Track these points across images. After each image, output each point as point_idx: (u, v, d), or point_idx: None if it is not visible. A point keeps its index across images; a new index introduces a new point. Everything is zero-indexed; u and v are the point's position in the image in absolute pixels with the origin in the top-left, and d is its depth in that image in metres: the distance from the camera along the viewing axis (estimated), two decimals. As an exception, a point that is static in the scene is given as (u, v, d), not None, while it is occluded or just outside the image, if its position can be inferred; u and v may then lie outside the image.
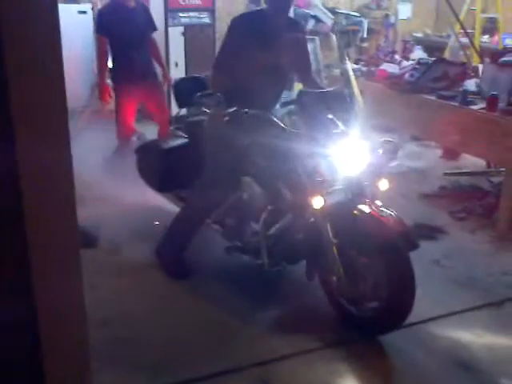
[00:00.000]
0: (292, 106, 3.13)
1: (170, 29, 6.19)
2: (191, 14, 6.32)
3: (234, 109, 2.74)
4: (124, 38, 4.39)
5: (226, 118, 2.77)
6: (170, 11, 6.20)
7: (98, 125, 5.30)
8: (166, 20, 6.17)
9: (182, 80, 3.92)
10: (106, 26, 4.43)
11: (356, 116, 2.86)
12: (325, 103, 2.77)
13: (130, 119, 4.64)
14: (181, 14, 6.27)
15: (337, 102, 2.83)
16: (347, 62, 5.59)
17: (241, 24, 2.95)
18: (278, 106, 3.22)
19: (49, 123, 1.32)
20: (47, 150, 1.30)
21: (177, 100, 3.66)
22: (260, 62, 2.90)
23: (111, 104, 4.71)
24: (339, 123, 2.72)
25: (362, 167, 2.68)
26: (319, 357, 2.61)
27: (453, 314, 2.93)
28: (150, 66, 4.66)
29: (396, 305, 2.58)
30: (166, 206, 3.82)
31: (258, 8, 3.04)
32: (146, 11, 4.66)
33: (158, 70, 4.79)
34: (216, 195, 3.12)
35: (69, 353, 1.51)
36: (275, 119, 2.81)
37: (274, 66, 2.98)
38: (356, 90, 2.98)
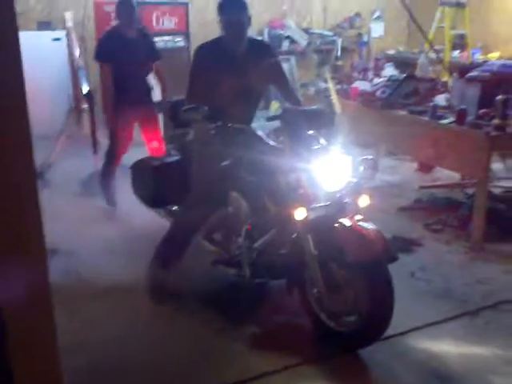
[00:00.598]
0: (276, 122, 3.21)
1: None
2: (165, 37, 6.40)
3: (220, 123, 2.86)
4: (122, 68, 4.29)
5: (212, 132, 2.87)
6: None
7: (74, 149, 5.30)
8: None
9: (177, 102, 3.94)
10: (106, 53, 4.32)
11: (337, 132, 2.95)
12: (307, 120, 2.89)
13: (123, 151, 4.53)
14: (156, 39, 6.33)
15: (318, 119, 2.96)
16: (328, 79, 5.69)
17: (203, 53, 3.11)
18: (262, 121, 3.31)
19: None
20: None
21: (172, 121, 3.71)
22: (227, 86, 3.01)
23: (86, 129, 4.71)
24: (321, 139, 2.84)
25: (344, 182, 2.76)
26: (299, 373, 2.62)
27: (429, 326, 2.96)
28: (147, 95, 4.56)
29: (376, 318, 2.61)
30: (147, 225, 3.85)
31: (218, 36, 3.14)
32: (147, 40, 4.54)
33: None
34: (202, 210, 3.17)
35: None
36: (259, 134, 2.96)
37: (242, 88, 3.07)
38: (337, 107, 3.08)
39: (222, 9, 3.05)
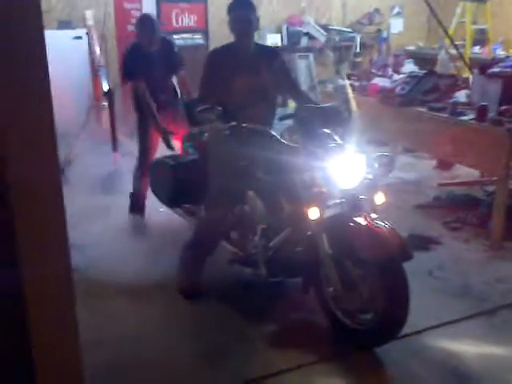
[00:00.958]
0: (290, 121, 3.22)
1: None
2: (184, 35, 6.43)
3: (234, 123, 2.89)
4: (149, 81, 4.09)
5: (227, 132, 2.91)
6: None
7: (94, 147, 5.35)
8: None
9: (193, 100, 3.93)
10: (134, 70, 4.11)
11: (352, 130, 2.94)
12: (322, 118, 2.89)
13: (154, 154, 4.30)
14: (175, 36, 6.37)
15: (334, 116, 2.95)
16: (344, 77, 5.66)
17: (215, 56, 3.25)
18: (276, 120, 3.34)
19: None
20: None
21: (189, 119, 3.73)
22: (239, 87, 3.09)
23: (106, 126, 4.73)
24: (336, 137, 2.84)
25: (359, 180, 2.75)
26: (316, 371, 2.64)
27: (446, 324, 2.95)
28: (174, 106, 4.30)
29: (391, 316, 2.61)
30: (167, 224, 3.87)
31: (229, 42, 3.28)
32: (169, 50, 4.32)
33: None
34: (222, 209, 3.20)
35: (63, 378, 1.55)
36: (273, 133, 2.95)
37: (255, 88, 3.14)
38: (353, 105, 3.08)
39: (231, 7, 3.19)
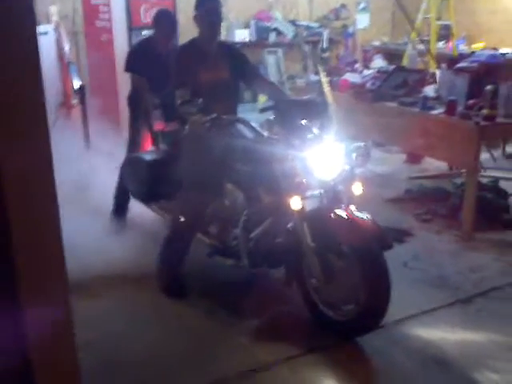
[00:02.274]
0: (269, 113, 3.27)
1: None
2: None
3: (215, 115, 2.93)
4: (150, 83, 3.91)
5: (207, 124, 2.94)
6: (133, 29, 6.26)
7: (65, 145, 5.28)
8: (129, 37, 6.23)
9: (166, 94, 3.86)
10: (136, 65, 3.97)
11: (330, 122, 3.02)
12: (300, 110, 2.97)
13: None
14: (144, 32, 6.32)
15: (311, 108, 3.04)
16: (320, 71, 5.73)
17: (183, 53, 3.37)
18: (255, 112, 3.40)
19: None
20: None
21: (166, 114, 3.70)
22: (204, 81, 3.20)
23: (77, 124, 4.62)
24: (314, 129, 2.89)
25: (338, 171, 2.81)
26: (303, 363, 2.69)
27: (424, 313, 3.06)
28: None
29: (373, 306, 2.68)
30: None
31: (192, 38, 3.41)
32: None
33: None
34: (200, 202, 3.22)
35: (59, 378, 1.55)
36: (253, 125, 3.03)
37: (218, 83, 3.26)
38: (329, 98, 3.18)
39: (199, 2, 3.29)
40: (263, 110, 3.21)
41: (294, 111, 2.95)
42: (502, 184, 4.56)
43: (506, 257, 3.71)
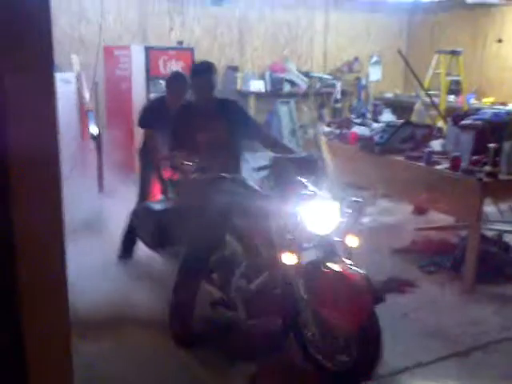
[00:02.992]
0: (266, 171, 3.39)
1: (151, 95, 6.47)
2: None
3: (212, 173, 3.07)
4: (162, 137, 3.99)
5: (207, 182, 3.09)
6: (150, 79, 6.54)
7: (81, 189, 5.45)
8: (147, 87, 6.50)
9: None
10: (147, 121, 4.24)
11: (325, 178, 3.12)
12: (296, 167, 3.06)
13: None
14: (161, 81, 6.58)
15: (307, 165, 3.13)
16: (325, 122, 5.90)
17: (181, 112, 3.57)
18: (254, 171, 3.52)
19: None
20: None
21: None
22: (201, 142, 3.37)
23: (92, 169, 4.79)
24: (309, 185, 2.98)
25: (333, 226, 2.90)
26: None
27: (421, 366, 3.07)
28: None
29: (364, 359, 2.73)
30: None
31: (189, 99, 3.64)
32: None
33: None
34: (202, 253, 3.31)
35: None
36: (249, 183, 3.17)
37: (216, 143, 3.40)
38: (325, 154, 3.30)
39: (193, 73, 3.51)
40: (260, 169, 3.36)
41: (290, 168, 3.06)
42: (507, 237, 4.61)
43: (507, 310, 3.73)
